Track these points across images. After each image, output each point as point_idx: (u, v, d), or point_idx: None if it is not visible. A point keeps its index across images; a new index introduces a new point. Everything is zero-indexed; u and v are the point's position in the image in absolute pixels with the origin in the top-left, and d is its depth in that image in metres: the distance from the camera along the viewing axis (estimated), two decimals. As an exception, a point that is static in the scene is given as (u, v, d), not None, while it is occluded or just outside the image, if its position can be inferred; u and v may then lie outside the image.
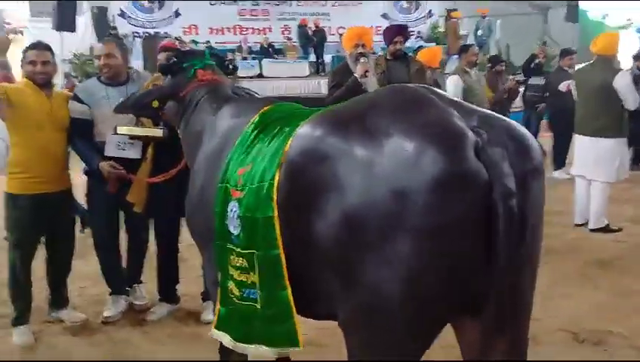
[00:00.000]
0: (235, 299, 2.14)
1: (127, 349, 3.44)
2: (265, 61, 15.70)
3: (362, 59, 4.60)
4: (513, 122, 1.71)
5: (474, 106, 1.73)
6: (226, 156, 2.24)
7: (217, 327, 2.28)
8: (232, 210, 2.05)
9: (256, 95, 3.01)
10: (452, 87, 6.20)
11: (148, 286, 4.06)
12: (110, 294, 3.90)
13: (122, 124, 3.48)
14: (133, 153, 3.60)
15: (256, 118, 2.26)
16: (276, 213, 1.85)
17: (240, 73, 14.78)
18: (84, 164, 3.75)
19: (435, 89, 1.78)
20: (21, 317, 3.55)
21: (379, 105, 1.73)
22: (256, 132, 2.17)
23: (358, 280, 1.63)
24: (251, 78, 14.76)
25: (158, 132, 3.44)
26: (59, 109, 3.58)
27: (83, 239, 4.04)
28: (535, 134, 8.64)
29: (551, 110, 8.26)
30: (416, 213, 1.52)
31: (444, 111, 1.62)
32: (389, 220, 1.55)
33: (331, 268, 1.71)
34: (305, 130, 1.85)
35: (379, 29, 12.04)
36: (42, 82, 3.50)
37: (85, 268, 4.30)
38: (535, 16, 18.79)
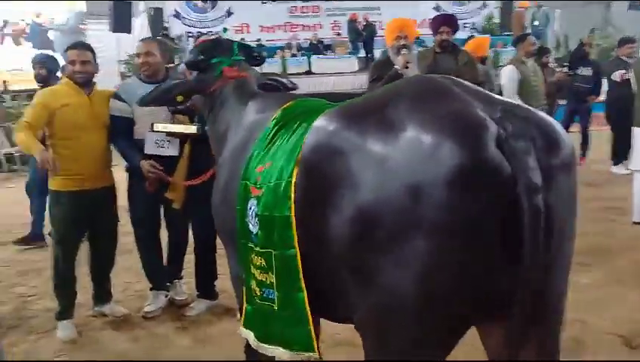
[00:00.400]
0: (257, 298, 2.11)
1: (165, 345, 3.48)
2: (314, 57, 15.67)
3: (403, 51, 4.50)
4: (541, 113, 1.60)
5: (499, 97, 1.63)
6: (248, 153, 2.21)
7: (245, 325, 2.26)
8: (250, 208, 2.02)
9: (288, 84, 2.98)
10: (507, 78, 5.95)
11: (188, 282, 4.10)
12: (151, 289, 3.96)
13: (159, 121, 3.52)
14: (172, 150, 3.63)
15: (278, 113, 2.22)
16: (293, 212, 1.81)
17: (289, 70, 14.98)
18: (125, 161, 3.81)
19: (460, 80, 1.68)
20: (64, 311, 3.64)
21: (397, 97, 1.65)
22: (276, 128, 2.13)
23: (372, 279, 1.56)
24: (300, 74, 14.79)
25: (193, 128, 3.46)
26: (99, 108, 3.64)
27: (130, 235, 4.11)
28: (585, 128, 8.24)
29: (608, 102, 7.86)
30: (433, 209, 1.44)
31: (464, 102, 1.53)
32: (405, 217, 1.47)
33: (346, 268, 1.65)
34: (320, 124, 1.80)
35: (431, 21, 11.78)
36: (82, 81, 3.56)
37: (131, 263, 4.38)
38: (596, 5, 18.03)
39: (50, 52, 13.67)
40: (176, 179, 3.62)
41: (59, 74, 5.75)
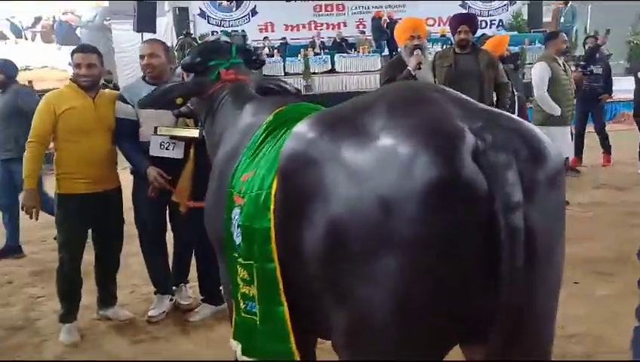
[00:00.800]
0: (242, 311, 2.04)
1: (166, 349, 3.44)
2: (337, 56, 15.57)
3: (416, 51, 4.40)
4: (527, 124, 1.49)
5: (484, 106, 1.53)
6: (238, 158, 2.14)
7: (234, 337, 2.19)
8: (234, 218, 1.95)
9: (290, 89, 2.90)
10: (537, 75, 5.75)
11: (194, 286, 4.06)
12: (155, 293, 3.92)
13: (163, 124, 3.48)
14: (177, 153, 3.58)
15: (269, 118, 2.14)
16: (273, 224, 1.73)
17: (312, 68, 14.94)
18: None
19: (444, 87, 1.59)
20: (68, 314, 3.61)
21: (374, 105, 1.56)
22: (265, 134, 2.06)
23: (346, 296, 1.48)
24: (323, 73, 14.72)
25: (195, 132, 3.40)
26: (104, 111, 3.61)
27: (137, 237, 4.08)
28: (602, 127, 7.94)
29: (636, 101, 7.58)
30: (405, 223, 1.35)
31: (442, 110, 1.43)
32: (377, 230, 1.39)
33: (321, 283, 1.57)
34: (298, 131, 1.71)
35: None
36: (86, 85, 3.53)
37: (139, 266, 4.34)
38: (630, 1, 17.49)
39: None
40: (182, 183, 3.56)
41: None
